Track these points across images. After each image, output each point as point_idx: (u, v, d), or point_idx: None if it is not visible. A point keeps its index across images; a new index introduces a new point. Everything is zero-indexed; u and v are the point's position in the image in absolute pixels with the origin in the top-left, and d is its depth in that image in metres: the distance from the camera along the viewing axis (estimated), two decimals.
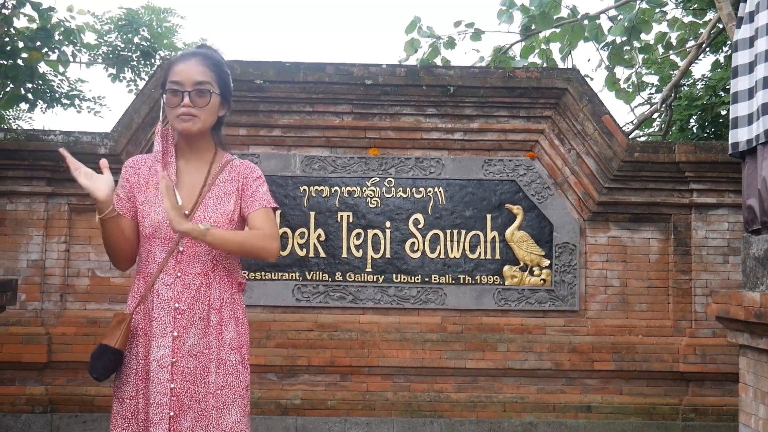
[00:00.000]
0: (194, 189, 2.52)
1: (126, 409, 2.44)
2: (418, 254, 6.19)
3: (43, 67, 7.94)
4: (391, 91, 6.08)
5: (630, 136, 7.20)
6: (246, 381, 2.54)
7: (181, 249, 2.46)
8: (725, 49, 10.17)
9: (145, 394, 2.41)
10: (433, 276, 6.17)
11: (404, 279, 6.17)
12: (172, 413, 2.36)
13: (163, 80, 2.52)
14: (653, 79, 11.28)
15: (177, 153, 2.57)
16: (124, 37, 9.68)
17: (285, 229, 6.15)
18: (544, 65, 8.44)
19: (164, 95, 2.51)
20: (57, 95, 8.95)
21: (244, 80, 5.88)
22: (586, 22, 7.74)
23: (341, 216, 6.22)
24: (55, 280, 6.07)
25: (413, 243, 6.19)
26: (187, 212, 2.46)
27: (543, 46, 8.64)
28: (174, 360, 2.38)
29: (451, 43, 7.89)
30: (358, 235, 6.19)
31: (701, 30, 9.12)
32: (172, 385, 2.37)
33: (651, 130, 11.41)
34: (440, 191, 6.24)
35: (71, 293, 6.11)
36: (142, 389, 2.42)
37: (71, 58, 7.74)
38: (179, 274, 2.44)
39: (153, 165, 2.55)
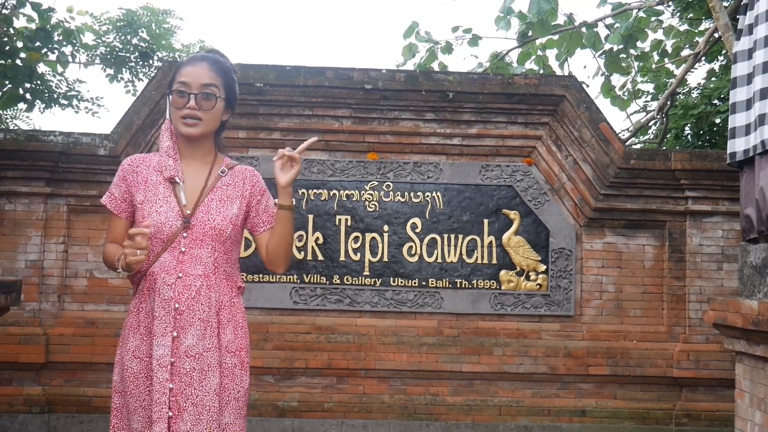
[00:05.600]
0: (195, 190, 2.54)
1: (129, 403, 2.46)
2: (416, 258, 6.23)
3: (41, 68, 7.97)
4: (391, 95, 6.12)
5: (626, 144, 7.26)
6: (244, 384, 2.54)
7: (183, 250, 2.47)
8: (721, 58, 10.26)
9: (149, 391, 2.43)
10: (430, 280, 6.20)
11: (401, 282, 6.20)
12: (171, 414, 2.37)
13: (171, 80, 2.56)
14: (649, 87, 11.36)
15: (179, 153, 2.59)
16: (123, 38, 9.69)
17: None
18: (541, 72, 8.49)
19: (170, 95, 2.54)
20: (55, 95, 8.96)
21: (244, 83, 5.83)
22: (583, 29, 7.80)
23: (339, 219, 6.25)
24: (53, 281, 6.07)
25: (411, 247, 6.23)
26: (188, 212, 2.49)
27: (539, 53, 8.70)
28: (173, 360, 2.40)
29: (448, 48, 7.94)
30: (356, 239, 6.23)
31: (697, 38, 9.20)
32: (171, 386, 2.38)
33: (647, 137, 11.49)
34: (438, 196, 6.28)
35: (69, 294, 6.12)
36: (148, 386, 2.44)
37: (70, 59, 7.76)
38: (180, 275, 2.46)
39: (161, 162, 2.55)
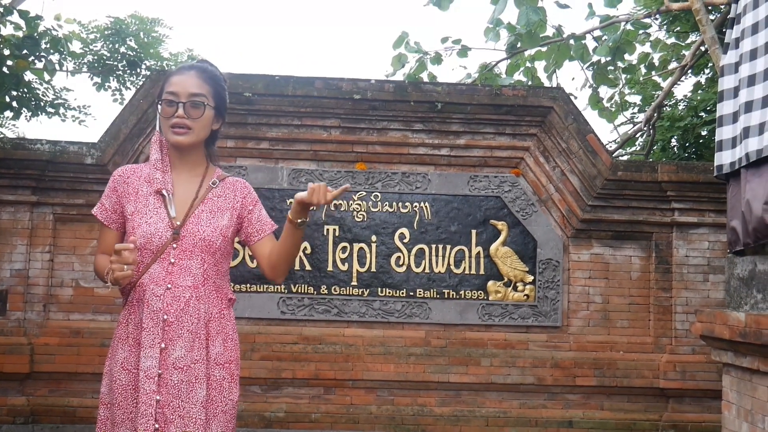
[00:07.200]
0: (185, 201, 2.53)
1: (114, 415, 2.43)
2: (404, 268, 6.22)
3: (28, 75, 7.92)
4: (379, 106, 6.13)
5: (613, 155, 7.30)
6: (232, 397, 2.52)
7: (172, 261, 2.46)
8: (707, 71, 10.35)
9: (136, 403, 2.41)
10: (417, 290, 6.20)
11: (389, 293, 6.19)
12: (157, 426, 2.35)
13: (160, 91, 2.54)
14: (636, 99, 11.44)
15: (169, 164, 2.58)
16: (110, 46, 9.64)
17: None
18: (529, 83, 8.53)
19: (159, 105, 2.53)
20: (42, 103, 8.91)
21: (232, 92, 5.80)
22: (571, 41, 7.84)
23: (327, 229, 6.24)
24: (39, 290, 6.02)
25: (399, 257, 6.23)
26: (179, 223, 2.48)
27: (528, 64, 8.74)
28: (161, 372, 2.38)
29: (437, 59, 7.95)
30: (344, 249, 6.22)
31: (683, 51, 9.27)
32: (158, 397, 2.36)
33: (633, 149, 11.56)
34: (426, 206, 6.28)
35: (55, 303, 6.07)
36: (135, 398, 2.41)
37: (57, 67, 7.72)
38: (169, 286, 2.44)
39: (150, 174, 2.54)
